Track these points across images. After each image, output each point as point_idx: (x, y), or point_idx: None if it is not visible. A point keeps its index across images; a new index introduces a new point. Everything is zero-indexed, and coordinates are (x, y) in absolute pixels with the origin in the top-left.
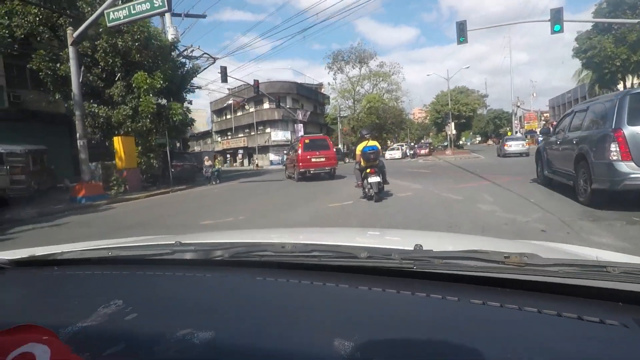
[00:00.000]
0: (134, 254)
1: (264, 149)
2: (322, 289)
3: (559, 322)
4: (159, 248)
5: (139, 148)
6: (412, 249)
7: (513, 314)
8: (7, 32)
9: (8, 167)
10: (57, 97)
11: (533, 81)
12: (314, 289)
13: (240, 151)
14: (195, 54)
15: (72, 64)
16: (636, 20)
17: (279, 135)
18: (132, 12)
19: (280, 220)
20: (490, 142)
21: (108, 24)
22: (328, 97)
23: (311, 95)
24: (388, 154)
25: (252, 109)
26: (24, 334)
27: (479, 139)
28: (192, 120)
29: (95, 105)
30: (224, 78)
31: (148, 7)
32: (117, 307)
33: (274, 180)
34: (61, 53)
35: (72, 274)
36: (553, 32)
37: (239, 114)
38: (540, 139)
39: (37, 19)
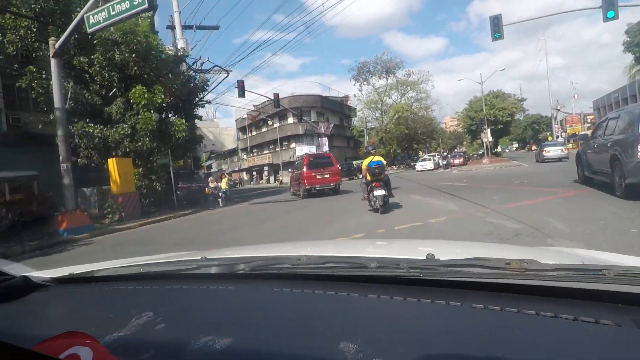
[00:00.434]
0: (163, 269)
1: (289, 165)
2: (334, 298)
3: (556, 323)
4: (186, 263)
5: (140, 170)
6: (421, 258)
7: (512, 317)
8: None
9: None
10: (51, 117)
11: (573, 83)
12: (326, 298)
13: (266, 168)
14: (208, 66)
15: (54, 77)
16: None
17: (303, 150)
18: (112, 13)
19: None
20: (534, 147)
21: (89, 30)
22: (354, 109)
23: (336, 108)
24: (419, 165)
25: (276, 124)
26: (70, 339)
27: (515, 145)
28: (201, 138)
29: (92, 125)
30: (241, 93)
31: (128, 7)
32: (148, 319)
33: (284, 201)
34: None
35: (108, 289)
36: (606, 19)
37: (264, 130)
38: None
39: (30, 33)
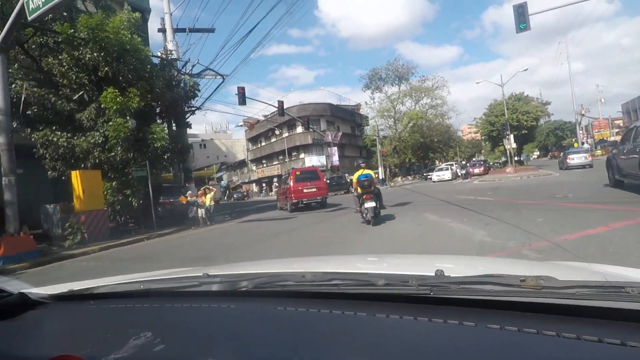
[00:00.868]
0: (163, 286)
1: None
2: (341, 318)
3: (580, 346)
4: (187, 280)
5: (113, 184)
6: (430, 274)
7: (532, 339)
8: None
9: None
10: (14, 125)
11: (599, 86)
12: (332, 317)
13: (275, 179)
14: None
15: None
16: None
17: (313, 160)
18: None
19: None
20: (557, 155)
21: (29, 17)
22: (366, 118)
23: (347, 117)
24: (435, 176)
25: (285, 134)
26: None
27: (536, 153)
28: (189, 147)
29: (58, 133)
30: (242, 100)
31: None
32: (146, 339)
33: (276, 219)
34: (10, 70)
35: (107, 307)
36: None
37: (273, 140)
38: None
39: None
